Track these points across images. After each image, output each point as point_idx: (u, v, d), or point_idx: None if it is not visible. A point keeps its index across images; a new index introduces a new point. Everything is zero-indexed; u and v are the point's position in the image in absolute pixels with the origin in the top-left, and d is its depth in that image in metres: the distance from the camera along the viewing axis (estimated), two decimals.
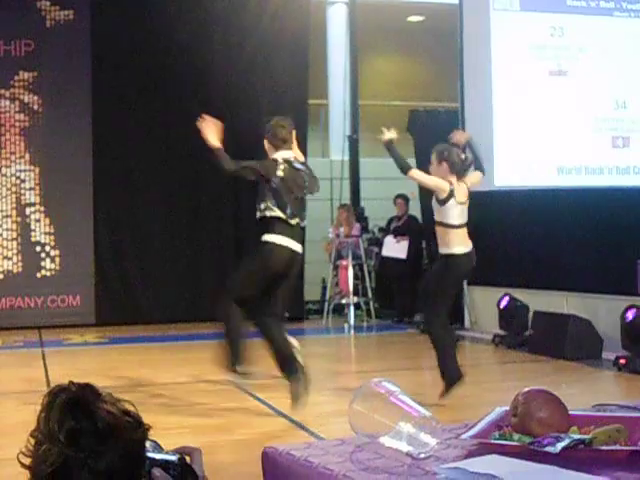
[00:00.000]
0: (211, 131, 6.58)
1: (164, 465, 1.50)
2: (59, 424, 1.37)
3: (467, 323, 11.24)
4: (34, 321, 11.79)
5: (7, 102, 12.01)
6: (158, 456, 1.50)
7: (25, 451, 1.40)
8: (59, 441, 1.36)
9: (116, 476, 1.38)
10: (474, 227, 11.08)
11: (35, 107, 12.09)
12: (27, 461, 1.40)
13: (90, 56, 12.16)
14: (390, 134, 6.88)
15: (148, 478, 1.46)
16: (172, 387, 7.61)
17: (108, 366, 8.83)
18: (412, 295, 12.04)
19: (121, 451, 1.39)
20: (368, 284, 12.67)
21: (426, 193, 12.24)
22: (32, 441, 1.40)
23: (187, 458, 1.57)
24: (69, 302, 12.11)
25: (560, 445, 2.05)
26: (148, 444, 1.49)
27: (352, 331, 11.85)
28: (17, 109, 12.04)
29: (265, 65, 12.62)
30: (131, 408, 1.46)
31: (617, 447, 2.10)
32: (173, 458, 1.53)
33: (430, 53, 14.90)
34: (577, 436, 2.12)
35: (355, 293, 12.40)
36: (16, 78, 12.02)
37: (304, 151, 13.15)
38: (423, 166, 12.05)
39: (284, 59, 12.74)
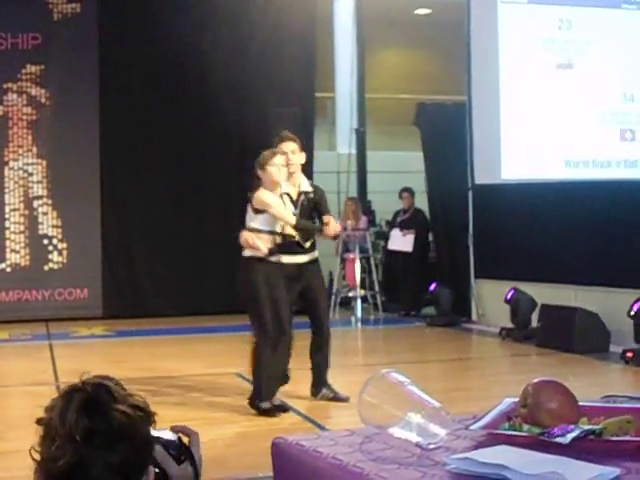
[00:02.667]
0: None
1: (164, 444, 1.54)
2: (75, 424, 1.39)
3: (474, 316, 11.23)
4: (41, 314, 11.79)
5: (14, 95, 12.01)
6: (159, 434, 1.54)
7: (37, 447, 1.42)
8: (75, 441, 1.38)
9: (129, 467, 1.41)
10: (481, 220, 11.14)
11: (42, 100, 12.09)
12: (38, 456, 1.42)
13: (97, 49, 12.15)
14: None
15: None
16: (179, 380, 7.63)
17: (115, 359, 8.84)
18: (419, 288, 12.05)
19: (134, 445, 1.42)
20: (375, 277, 12.67)
21: (435, 187, 12.28)
22: (42, 435, 1.42)
23: (185, 439, 1.61)
24: (76, 295, 12.13)
25: (570, 436, 2.05)
26: None
27: (359, 324, 11.84)
28: (24, 102, 12.04)
29: (272, 58, 12.60)
30: (140, 400, 1.48)
31: (627, 438, 2.10)
32: (173, 438, 1.57)
33: (437, 46, 14.86)
34: (587, 427, 2.12)
35: (362, 286, 12.39)
36: (23, 71, 12.02)
37: (311, 145, 13.22)
38: (431, 159, 12.14)
39: (291, 52, 12.73)
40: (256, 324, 6.39)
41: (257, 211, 6.35)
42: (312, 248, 6.65)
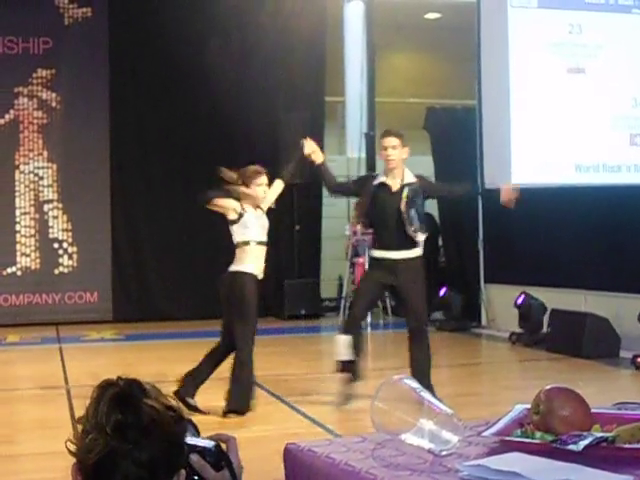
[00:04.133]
0: (314, 148, 6.67)
1: (201, 451, 1.56)
2: (107, 417, 1.45)
3: (484, 321, 11.21)
4: (51, 317, 11.83)
5: (25, 99, 12.05)
6: (196, 442, 1.57)
7: (73, 439, 1.48)
8: (106, 433, 1.44)
9: (158, 466, 1.46)
10: (490, 225, 11.12)
11: (53, 104, 12.14)
12: (74, 448, 1.48)
13: (108, 53, 12.20)
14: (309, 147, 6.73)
15: (185, 463, 1.54)
16: None
17: (125, 362, 8.86)
18: (428, 293, 12.02)
19: (163, 443, 1.46)
20: None
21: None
22: (80, 430, 1.48)
23: (223, 445, 1.63)
24: (86, 299, 12.15)
25: (583, 443, 2.04)
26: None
27: (368, 328, 11.82)
28: (35, 106, 12.08)
29: (282, 63, 12.62)
30: (173, 402, 1.54)
31: None
32: (210, 445, 1.59)
33: (447, 50, 14.84)
34: (600, 434, 2.11)
35: None
36: (34, 75, 12.07)
37: (321, 148, 13.20)
38: (440, 163, 12.12)
39: (301, 57, 12.74)
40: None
41: (232, 222, 6.58)
42: None
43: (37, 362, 9.21)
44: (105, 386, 1.50)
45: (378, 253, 6.65)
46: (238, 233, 6.61)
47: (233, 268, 6.61)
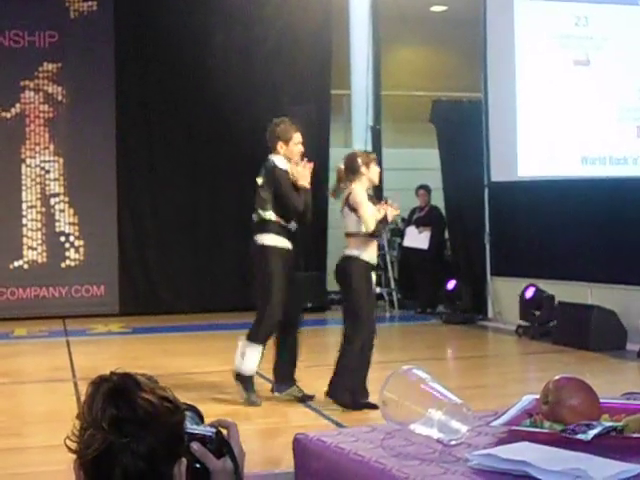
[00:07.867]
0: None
1: (202, 439, 1.57)
2: (102, 412, 1.46)
3: (490, 314, 11.20)
4: (59, 311, 11.84)
5: (31, 93, 12.06)
6: (196, 430, 1.58)
7: (71, 436, 1.49)
8: (102, 428, 1.45)
9: (157, 457, 1.47)
10: (497, 218, 11.11)
11: (59, 98, 12.14)
12: (73, 445, 1.48)
13: (113, 47, 12.20)
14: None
15: (187, 451, 1.55)
16: (194, 376, 7.64)
17: (131, 355, 8.88)
18: (435, 285, 12.03)
19: (161, 435, 1.47)
20: (391, 274, 12.65)
21: (451, 184, 12.24)
22: (78, 427, 1.49)
23: (224, 431, 1.63)
24: (93, 292, 12.17)
25: (592, 432, 2.05)
26: (187, 414, 1.59)
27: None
28: (41, 100, 12.09)
29: (288, 56, 12.60)
30: (169, 393, 1.54)
31: None
32: (210, 432, 1.60)
33: (453, 43, 14.81)
34: (609, 424, 2.12)
35: (378, 284, 12.35)
36: (40, 69, 12.08)
37: (327, 142, 13.21)
38: (446, 156, 12.10)
39: (306, 50, 12.73)
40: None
41: (352, 209, 6.49)
42: None
43: (44, 355, 9.23)
44: (99, 382, 1.51)
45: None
46: None
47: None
